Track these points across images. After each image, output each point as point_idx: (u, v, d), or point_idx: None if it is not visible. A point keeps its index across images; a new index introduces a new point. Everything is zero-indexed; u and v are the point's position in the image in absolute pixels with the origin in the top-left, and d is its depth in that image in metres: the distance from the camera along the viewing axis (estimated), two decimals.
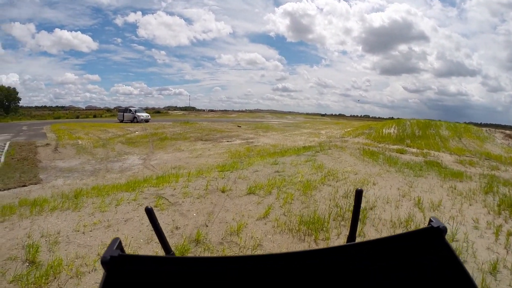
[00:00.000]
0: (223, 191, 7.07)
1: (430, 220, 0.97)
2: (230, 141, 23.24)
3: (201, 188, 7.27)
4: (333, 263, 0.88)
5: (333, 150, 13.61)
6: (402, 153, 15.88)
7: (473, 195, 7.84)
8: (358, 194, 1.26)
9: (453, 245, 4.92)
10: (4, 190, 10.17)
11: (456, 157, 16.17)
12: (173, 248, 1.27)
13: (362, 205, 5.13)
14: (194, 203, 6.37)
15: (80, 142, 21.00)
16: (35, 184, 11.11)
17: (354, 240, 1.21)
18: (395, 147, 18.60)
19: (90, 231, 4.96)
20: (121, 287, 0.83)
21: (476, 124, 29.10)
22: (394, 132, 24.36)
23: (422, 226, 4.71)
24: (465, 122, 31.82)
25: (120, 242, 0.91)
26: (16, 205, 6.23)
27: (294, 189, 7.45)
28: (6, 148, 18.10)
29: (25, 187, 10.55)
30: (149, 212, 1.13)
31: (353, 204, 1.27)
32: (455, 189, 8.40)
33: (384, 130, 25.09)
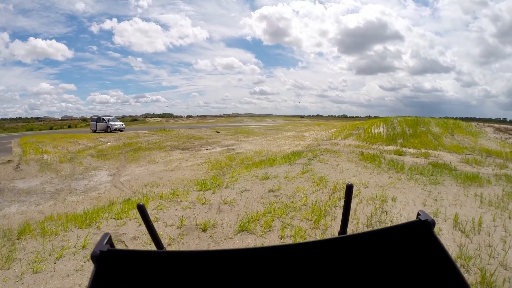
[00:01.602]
0: (204, 229, 5.16)
1: (418, 214, 0.97)
2: (210, 149, 21.29)
3: (175, 224, 5.42)
4: (325, 255, 0.88)
5: (328, 156, 11.98)
6: (401, 155, 14.44)
7: (505, 204, 6.80)
8: (349, 189, 1.28)
9: None
10: None
11: (457, 155, 14.87)
12: None
13: None
14: None
15: (45, 157, 18.94)
16: None
17: (346, 233, 1.26)
18: (390, 148, 17.12)
19: None
20: (111, 281, 0.83)
21: (451, 119, 28.14)
22: (383, 131, 22.86)
23: (487, 264, 4.28)
24: (441, 117, 31.08)
25: (110, 237, 0.91)
26: None
27: (300, 218, 5.61)
28: None
29: None
30: (141, 209, 1.15)
31: (344, 199, 1.29)
32: (482, 197, 7.22)
33: (373, 130, 23.53)
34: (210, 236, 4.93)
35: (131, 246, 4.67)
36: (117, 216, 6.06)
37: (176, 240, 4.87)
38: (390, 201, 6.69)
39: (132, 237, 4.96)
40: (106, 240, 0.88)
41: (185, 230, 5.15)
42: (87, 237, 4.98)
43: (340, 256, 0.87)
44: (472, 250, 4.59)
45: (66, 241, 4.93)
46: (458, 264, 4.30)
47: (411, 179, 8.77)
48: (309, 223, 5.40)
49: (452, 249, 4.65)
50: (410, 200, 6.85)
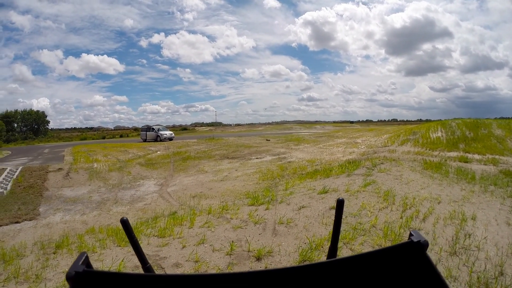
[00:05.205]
0: (258, 258, 4.46)
1: (411, 234, 0.93)
2: (260, 158, 20.65)
3: (223, 250, 4.79)
4: (313, 281, 0.83)
5: (388, 165, 11.10)
6: (467, 162, 13.33)
7: None
8: (339, 205, 1.24)
9: None
10: None
11: None
12: None
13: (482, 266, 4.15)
14: None
15: (95, 166, 19.00)
16: (30, 220, 9.73)
17: (335, 256, 1.23)
18: (452, 154, 15.86)
19: None
20: None
21: (508, 119, 26.31)
22: (442, 136, 21.43)
23: None
24: (496, 118, 29.42)
25: (87, 257, 0.88)
26: None
27: (372, 244, 4.84)
28: (16, 174, 16.58)
29: (18, 224, 9.34)
30: (125, 223, 1.18)
31: (334, 216, 1.24)
32: None
33: (431, 135, 22.11)
34: (266, 267, 4.21)
35: None
36: (160, 234, 5.67)
37: (225, 271, 4.15)
38: (470, 220, 5.82)
39: (174, 264, 4.44)
40: (82, 260, 0.85)
41: (236, 258, 4.51)
42: (124, 259, 4.61)
43: (330, 281, 0.84)
44: None
45: (101, 262, 4.68)
46: None
47: (486, 192, 7.91)
48: None
49: None
50: (491, 218, 5.99)
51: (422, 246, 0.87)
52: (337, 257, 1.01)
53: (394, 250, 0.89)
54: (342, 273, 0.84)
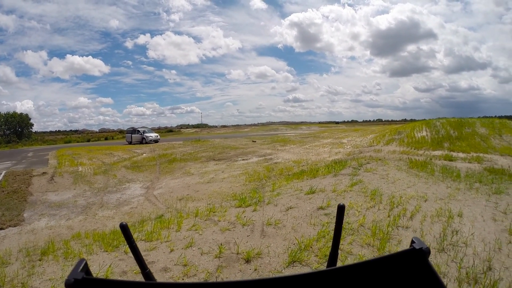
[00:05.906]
0: (247, 260, 4.39)
1: (412, 241, 0.91)
2: (246, 159, 20.58)
3: (212, 252, 4.72)
4: None
5: (374, 164, 11.16)
6: (452, 160, 13.44)
7: None
8: (340, 211, 1.20)
9: None
10: None
11: (511, 158, 13.72)
12: None
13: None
14: None
15: (80, 169, 18.77)
16: (15, 226, 9.55)
17: (335, 265, 1.21)
18: (437, 153, 15.99)
19: None
20: None
21: (496, 118, 26.75)
22: (427, 135, 21.64)
23: None
24: (479, 117, 29.81)
25: (86, 264, 0.87)
26: None
27: (360, 243, 4.81)
28: None
29: (2, 230, 9.17)
30: (124, 228, 1.14)
31: (335, 222, 1.21)
32: None
33: (416, 134, 22.33)
34: (255, 269, 4.17)
35: (161, 280, 4.01)
36: (147, 238, 5.59)
37: (214, 274, 4.12)
38: (456, 217, 5.87)
39: (162, 268, 4.36)
40: (81, 267, 0.84)
41: (225, 261, 4.44)
42: (112, 264, 4.50)
43: None
44: None
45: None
46: None
47: (471, 189, 8.01)
48: (371, 249, 4.61)
49: None
50: (477, 214, 6.06)
51: (424, 253, 0.86)
52: (338, 265, 1.01)
53: (396, 258, 0.89)
54: (343, 281, 0.84)
